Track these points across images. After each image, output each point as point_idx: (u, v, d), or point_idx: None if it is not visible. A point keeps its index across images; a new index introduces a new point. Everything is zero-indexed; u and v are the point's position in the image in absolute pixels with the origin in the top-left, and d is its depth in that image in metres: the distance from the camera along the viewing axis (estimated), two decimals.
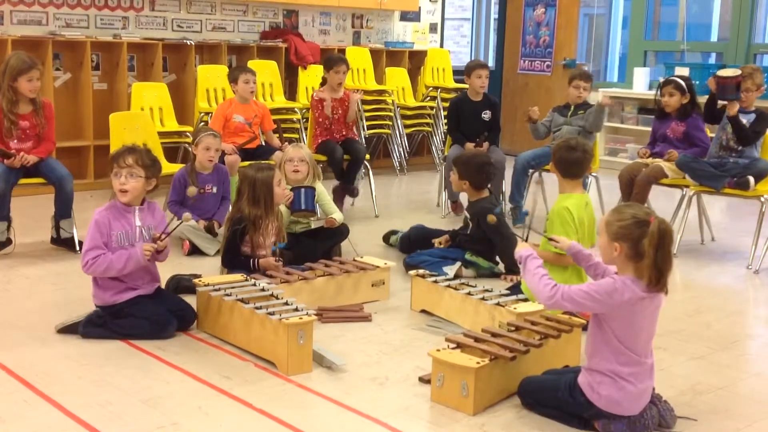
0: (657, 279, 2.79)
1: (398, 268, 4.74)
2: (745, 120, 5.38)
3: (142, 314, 3.68)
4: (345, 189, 6.29)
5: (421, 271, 4.28)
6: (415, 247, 5.04)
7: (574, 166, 4.05)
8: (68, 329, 3.72)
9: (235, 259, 4.35)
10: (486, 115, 6.52)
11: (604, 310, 2.86)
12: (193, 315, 3.83)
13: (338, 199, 6.19)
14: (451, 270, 4.63)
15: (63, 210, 5.04)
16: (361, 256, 4.56)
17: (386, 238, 5.53)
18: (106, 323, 3.68)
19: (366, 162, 6.44)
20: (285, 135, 7.16)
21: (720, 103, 5.53)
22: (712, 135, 5.71)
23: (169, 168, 5.97)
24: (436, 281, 4.12)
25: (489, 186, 4.95)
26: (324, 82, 6.53)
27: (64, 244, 5.07)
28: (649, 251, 2.76)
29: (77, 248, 5.02)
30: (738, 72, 5.38)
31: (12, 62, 4.99)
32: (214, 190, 5.34)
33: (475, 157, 5.07)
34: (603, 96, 6.30)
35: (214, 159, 5.35)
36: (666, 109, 5.83)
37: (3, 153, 4.89)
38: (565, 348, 3.40)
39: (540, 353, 3.23)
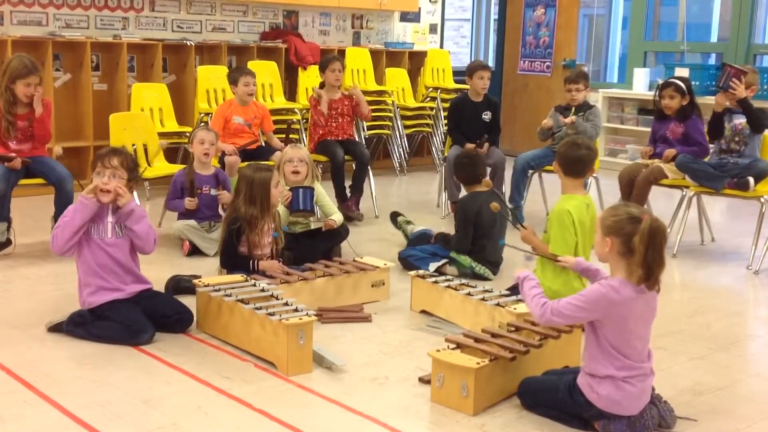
0: (647, 276, 2.79)
1: (398, 269, 4.74)
2: (738, 121, 5.38)
3: (119, 319, 3.65)
4: (348, 208, 6.21)
5: (421, 272, 4.29)
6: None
7: (578, 163, 4.03)
8: (56, 328, 3.74)
9: (233, 260, 4.36)
10: (486, 115, 6.53)
11: (595, 317, 2.86)
12: (190, 318, 3.81)
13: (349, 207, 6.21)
14: (433, 266, 4.66)
15: (63, 210, 5.02)
16: (361, 257, 4.56)
17: (393, 218, 5.61)
18: (85, 324, 3.68)
19: None
20: (282, 135, 7.16)
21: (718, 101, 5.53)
22: (712, 144, 5.70)
23: (168, 168, 5.99)
24: (436, 282, 4.12)
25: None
26: (323, 85, 6.53)
27: None
28: (639, 248, 2.76)
29: None
30: (746, 69, 5.36)
31: (12, 64, 5.00)
32: (213, 191, 5.34)
33: (459, 157, 5.15)
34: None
35: (210, 152, 5.34)
36: (666, 111, 5.81)
37: (4, 158, 4.89)
38: (564, 348, 3.40)
39: (540, 354, 3.23)
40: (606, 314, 2.83)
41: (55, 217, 5.07)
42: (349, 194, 6.33)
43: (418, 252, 4.85)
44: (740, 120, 5.40)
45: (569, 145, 4.07)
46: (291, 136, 7.23)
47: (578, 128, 6.07)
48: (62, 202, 5.03)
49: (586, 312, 2.86)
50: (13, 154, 4.92)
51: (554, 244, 3.90)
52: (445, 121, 7.95)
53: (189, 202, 5.18)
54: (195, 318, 3.85)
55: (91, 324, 3.67)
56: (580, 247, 3.93)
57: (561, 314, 2.89)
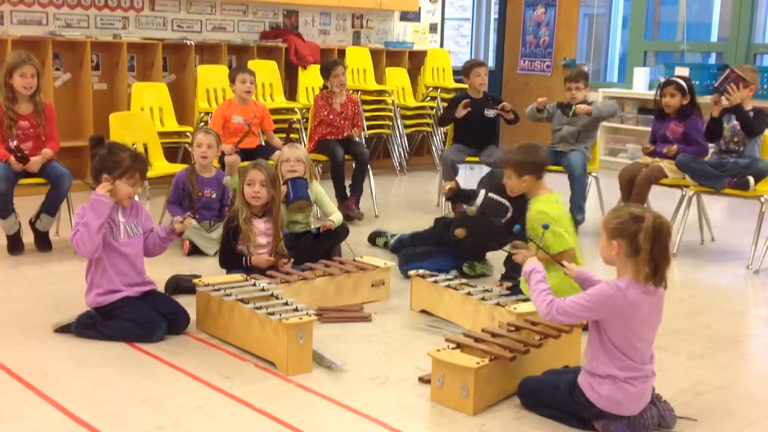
0: (653, 273, 2.80)
1: (398, 269, 4.73)
2: (737, 121, 5.37)
3: (131, 317, 3.65)
4: (348, 208, 6.20)
5: (421, 271, 4.28)
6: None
7: (545, 164, 4.06)
8: (64, 329, 3.73)
9: (230, 258, 4.37)
10: (489, 112, 6.53)
11: (600, 317, 2.86)
12: (186, 319, 3.79)
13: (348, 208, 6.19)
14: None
15: (51, 205, 5.05)
16: (361, 256, 4.55)
17: (372, 239, 5.53)
18: (95, 324, 3.68)
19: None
20: (283, 135, 7.18)
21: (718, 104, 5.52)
22: (712, 146, 5.71)
23: (168, 168, 5.98)
24: (436, 281, 4.12)
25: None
26: (324, 88, 6.52)
27: (36, 234, 5.10)
28: (645, 245, 2.77)
29: (48, 248, 5.13)
30: (747, 78, 5.31)
31: (8, 59, 5.06)
32: (214, 195, 5.34)
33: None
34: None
35: (207, 155, 5.33)
36: (666, 109, 5.82)
37: (19, 153, 4.89)
38: (564, 348, 3.40)
39: (540, 353, 3.22)
40: (611, 314, 2.83)
41: (41, 207, 5.06)
42: (348, 193, 6.33)
43: (430, 265, 4.61)
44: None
45: (531, 151, 3.99)
46: (291, 135, 7.24)
47: (602, 111, 6.16)
48: (54, 198, 5.06)
49: (591, 312, 2.86)
50: (26, 153, 4.92)
51: (556, 248, 3.85)
52: None
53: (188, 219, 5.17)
54: (193, 318, 3.84)
55: (102, 324, 3.67)
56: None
57: (566, 313, 2.90)
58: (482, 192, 4.61)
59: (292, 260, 4.37)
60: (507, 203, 4.54)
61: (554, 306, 2.92)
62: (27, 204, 5.18)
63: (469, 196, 4.73)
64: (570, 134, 6.16)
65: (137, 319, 3.65)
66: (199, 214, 5.24)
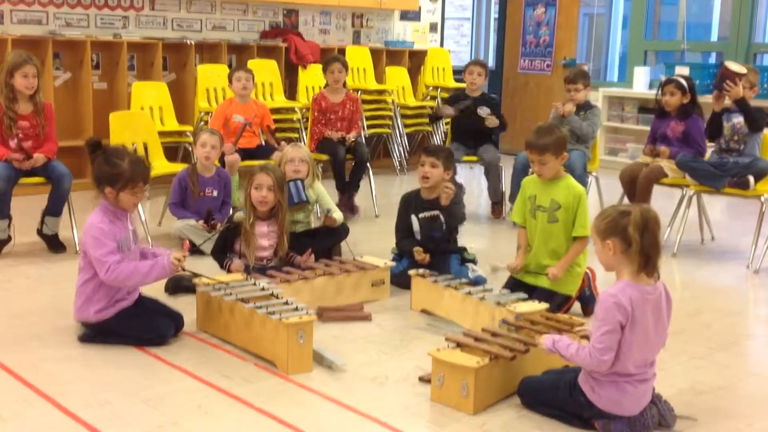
0: (645, 263, 2.80)
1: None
2: (737, 120, 5.38)
3: (138, 333, 3.59)
4: (346, 205, 6.23)
5: (421, 271, 4.28)
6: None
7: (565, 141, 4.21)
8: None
9: (218, 256, 4.40)
10: (483, 111, 6.51)
11: (624, 325, 2.81)
12: (180, 321, 3.74)
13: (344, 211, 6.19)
14: None
15: (54, 206, 5.04)
16: (361, 256, 4.55)
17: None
18: (100, 343, 3.61)
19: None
20: (285, 135, 7.19)
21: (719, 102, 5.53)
22: (712, 145, 5.71)
23: (168, 168, 5.98)
24: (436, 281, 4.12)
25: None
26: (327, 86, 6.54)
27: (46, 240, 5.09)
28: (634, 236, 2.77)
29: (61, 248, 5.10)
30: (744, 71, 5.34)
31: (9, 58, 5.06)
32: (215, 193, 5.33)
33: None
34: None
35: (210, 156, 5.33)
36: (666, 107, 5.82)
37: (25, 152, 4.91)
38: None
39: (540, 353, 3.21)
40: (626, 317, 2.80)
41: (44, 212, 5.06)
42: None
43: None
44: (739, 119, 5.40)
45: (556, 129, 4.18)
46: (292, 135, 7.24)
47: (572, 123, 6.06)
48: (56, 198, 5.05)
49: (615, 330, 2.80)
50: (19, 156, 4.92)
51: (587, 229, 3.99)
52: (446, 120, 7.94)
53: (204, 227, 5.16)
54: (193, 317, 3.84)
55: (104, 340, 3.59)
56: None
57: (602, 350, 2.80)
58: (413, 218, 4.60)
59: (312, 254, 4.43)
60: (437, 213, 4.55)
61: (593, 355, 2.82)
62: (27, 204, 5.18)
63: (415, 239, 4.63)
64: (570, 134, 6.15)
65: (144, 335, 3.59)
66: (198, 213, 5.24)
